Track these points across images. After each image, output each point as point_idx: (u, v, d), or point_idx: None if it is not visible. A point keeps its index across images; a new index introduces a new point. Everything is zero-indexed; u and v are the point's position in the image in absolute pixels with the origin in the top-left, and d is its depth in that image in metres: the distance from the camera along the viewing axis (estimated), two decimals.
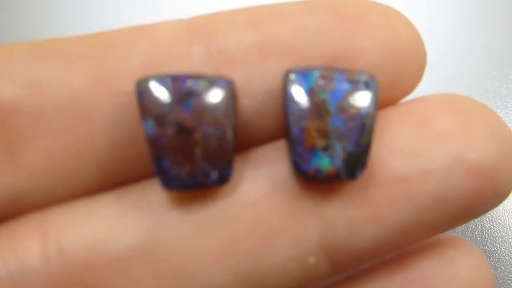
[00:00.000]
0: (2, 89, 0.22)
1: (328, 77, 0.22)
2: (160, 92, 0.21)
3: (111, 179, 0.23)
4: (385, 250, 0.24)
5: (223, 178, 0.22)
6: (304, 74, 0.22)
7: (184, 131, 0.21)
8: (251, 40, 0.23)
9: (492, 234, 0.36)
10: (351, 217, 0.23)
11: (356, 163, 0.22)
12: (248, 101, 0.23)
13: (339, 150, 0.22)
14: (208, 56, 0.23)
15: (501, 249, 0.36)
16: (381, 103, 0.23)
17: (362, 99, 0.22)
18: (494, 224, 0.36)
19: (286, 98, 0.22)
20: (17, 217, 0.23)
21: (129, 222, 0.22)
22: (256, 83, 0.23)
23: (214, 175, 0.22)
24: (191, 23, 0.24)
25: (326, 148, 0.22)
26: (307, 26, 0.23)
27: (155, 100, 0.21)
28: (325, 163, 0.22)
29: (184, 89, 0.21)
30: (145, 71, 0.22)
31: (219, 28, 0.23)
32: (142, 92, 0.21)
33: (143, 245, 0.22)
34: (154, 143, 0.21)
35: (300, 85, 0.22)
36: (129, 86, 0.22)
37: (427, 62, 0.25)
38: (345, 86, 0.22)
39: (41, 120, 0.22)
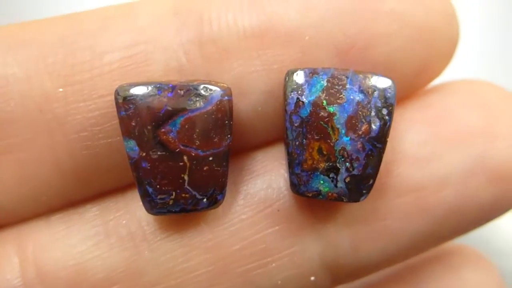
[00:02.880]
0: None
1: (337, 85, 0.19)
2: (143, 107, 0.19)
3: (93, 190, 0.21)
4: (390, 263, 0.22)
5: (214, 203, 0.20)
6: (309, 79, 0.19)
7: (171, 155, 0.19)
8: (249, 23, 0.20)
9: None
10: (356, 234, 0.21)
11: (361, 186, 0.20)
12: (245, 101, 0.20)
13: (344, 174, 0.20)
14: (198, 46, 0.20)
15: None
16: (403, 92, 0.21)
17: (376, 113, 0.19)
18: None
19: (286, 109, 0.19)
20: None
21: (114, 242, 0.21)
22: (254, 79, 0.20)
23: (204, 201, 0.19)
24: (178, 4, 0.20)
25: (328, 171, 0.20)
26: (316, 5, 0.20)
27: (136, 117, 0.19)
28: (326, 187, 0.20)
29: (171, 105, 0.19)
30: (125, 67, 0.20)
31: (212, 8, 0.20)
32: (121, 106, 0.19)
33: (129, 267, 0.21)
34: (136, 166, 0.19)
35: (304, 93, 0.19)
36: (108, 87, 0.20)
37: (459, 41, 0.22)
38: (357, 96, 0.19)
39: (12, 129, 0.20)
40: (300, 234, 0.21)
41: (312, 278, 0.21)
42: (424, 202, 0.21)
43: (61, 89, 0.20)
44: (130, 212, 0.21)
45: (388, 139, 0.20)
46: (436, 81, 0.23)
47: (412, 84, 0.21)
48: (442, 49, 0.21)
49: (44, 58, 0.20)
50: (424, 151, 0.21)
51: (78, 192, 0.21)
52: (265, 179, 0.21)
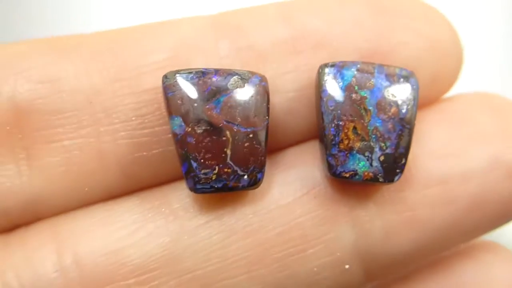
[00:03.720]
0: (18, 87, 0.21)
1: (366, 73, 0.21)
2: (189, 88, 0.20)
3: (133, 183, 0.22)
4: (421, 256, 0.22)
5: (254, 182, 0.20)
6: (340, 69, 0.21)
7: (214, 130, 0.20)
8: (282, 34, 0.22)
9: None
10: (388, 222, 0.21)
11: (395, 166, 0.21)
12: (279, 99, 0.22)
13: (378, 152, 0.21)
14: (236, 51, 0.22)
15: None
16: (420, 100, 0.22)
17: (403, 98, 0.21)
18: None
19: (320, 95, 0.21)
20: (31, 224, 0.21)
21: (152, 229, 0.21)
22: (287, 79, 0.22)
23: (245, 178, 0.20)
24: (217, 18, 0.23)
25: (363, 150, 0.21)
26: (341, 18, 0.22)
27: (183, 96, 0.20)
28: (362, 166, 0.21)
29: (215, 85, 0.20)
30: (169, 67, 0.21)
31: (248, 22, 0.22)
32: (169, 88, 0.20)
33: (167, 253, 0.21)
34: (181, 142, 0.20)
35: (336, 81, 0.21)
36: (154, 83, 0.21)
37: (464, 56, 0.24)
38: (385, 82, 0.21)
39: (60, 119, 0.21)
40: (335, 222, 0.21)
41: (347, 266, 0.21)
42: (450, 194, 0.22)
43: (109, 84, 0.21)
44: (169, 202, 0.21)
45: (413, 137, 0.21)
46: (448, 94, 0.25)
47: (427, 93, 0.23)
48: (451, 62, 0.23)
49: (93, 58, 0.21)
50: (447, 148, 0.22)
51: (119, 183, 0.21)
52: (301, 169, 0.22)
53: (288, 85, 0.22)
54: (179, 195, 0.21)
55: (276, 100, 0.22)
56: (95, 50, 0.21)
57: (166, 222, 0.21)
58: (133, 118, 0.21)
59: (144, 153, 0.21)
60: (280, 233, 0.21)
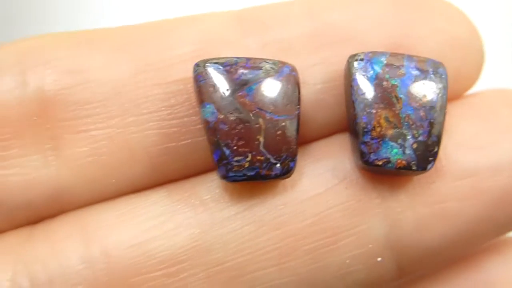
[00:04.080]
0: (45, 77, 0.21)
1: (396, 63, 0.21)
2: (221, 75, 0.20)
3: (161, 175, 0.21)
4: (451, 251, 0.22)
5: (287, 171, 0.20)
6: (369, 59, 0.21)
7: (247, 117, 0.20)
8: (307, 29, 0.22)
9: None
10: (419, 214, 0.21)
11: (427, 154, 0.21)
12: (307, 91, 0.22)
13: (410, 140, 0.20)
14: (262, 46, 0.22)
15: None
16: None
17: (433, 87, 0.21)
18: None
19: (351, 84, 0.21)
20: (57, 216, 0.21)
21: (181, 220, 0.20)
22: (315, 71, 0.22)
23: (278, 166, 0.20)
24: (241, 13, 0.23)
25: (396, 138, 0.20)
26: (365, 14, 0.22)
27: (215, 83, 0.20)
28: (395, 153, 0.20)
29: (246, 73, 0.20)
30: (197, 59, 0.21)
31: (272, 17, 0.22)
32: (200, 75, 0.20)
33: (197, 245, 0.20)
34: (214, 130, 0.19)
35: (367, 70, 0.21)
36: (183, 74, 0.21)
37: (485, 55, 0.24)
38: (414, 71, 0.21)
39: (87, 109, 0.21)
40: (367, 213, 0.21)
41: (379, 259, 0.21)
42: (480, 186, 0.21)
43: (137, 75, 0.21)
44: (198, 193, 0.21)
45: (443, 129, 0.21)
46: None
47: (450, 90, 0.23)
48: (472, 59, 0.23)
49: (121, 49, 0.21)
50: (476, 141, 0.22)
51: (147, 175, 0.21)
52: (330, 160, 0.22)
53: (316, 77, 0.22)
54: (209, 186, 0.21)
55: (304, 91, 0.22)
56: (122, 42, 0.21)
57: (196, 213, 0.20)
58: (162, 109, 0.21)
59: (173, 144, 0.21)
60: (311, 224, 0.21)
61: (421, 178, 0.21)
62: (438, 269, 0.23)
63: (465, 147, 0.22)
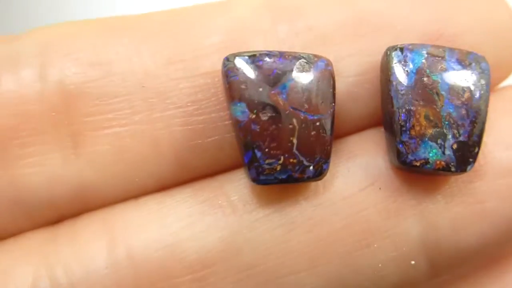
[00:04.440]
0: (67, 69, 0.19)
1: (437, 56, 0.20)
2: (252, 71, 0.19)
3: (187, 172, 0.20)
4: (489, 251, 0.21)
5: (320, 173, 0.19)
6: (409, 52, 0.20)
7: (280, 117, 0.18)
8: (342, 16, 0.21)
9: None
10: (456, 214, 0.20)
11: (468, 154, 0.20)
12: (340, 84, 0.20)
13: (451, 140, 0.19)
14: (295, 34, 0.20)
15: None
16: None
17: (475, 83, 0.20)
18: None
19: (390, 78, 0.19)
20: (81, 215, 0.20)
21: (210, 222, 0.20)
22: (349, 63, 0.20)
23: (311, 169, 0.19)
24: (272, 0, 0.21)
25: (436, 137, 0.19)
26: (404, 0, 0.21)
27: (247, 80, 0.18)
28: (434, 154, 0.19)
29: (280, 69, 0.19)
30: (226, 49, 0.20)
31: (305, 4, 0.21)
32: (231, 71, 0.18)
33: (226, 247, 0.19)
34: (245, 129, 0.18)
35: (406, 64, 0.19)
36: (210, 66, 0.20)
37: None
38: (456, 66, 0.20)
39: (111, 104, 0.19)
40: (402, 214, 0.20)
41: (413, 262, 0.20)
42: None
43: (163, 67, 0.20)
44: (226, 193, 0.20)
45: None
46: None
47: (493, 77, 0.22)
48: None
49: (145, 40, 0.20)
50: None
51: (172, 172, 0.20)
52: (364, 158, 0.21)
53: (350, 69, 0.21)
54: (237, 186, 0.20)
55: (338, 84, 0.20)
56: (147, 32, 0.20)
57: (224, 215, 0.20)
58: (189, 104, 0.20)
59: (200, 141, 0.20)
60: (344, 226, 0.20)
61: (458, 178, 0.21)
62: (474, 269, 0.22)
63: (505, 144, 0.21)
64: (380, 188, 0.20)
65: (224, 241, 0.19)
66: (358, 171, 0.20)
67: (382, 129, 0.21)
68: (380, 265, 0.20)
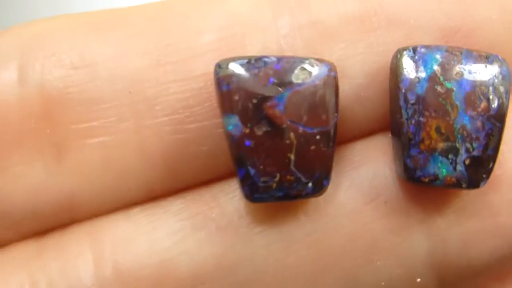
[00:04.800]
0: (47, 73, 0.18)
1: (453, 60, 0.18)
2: (247, 80, 0.17)
3: (179, 183, 0.19)
4: (501, 266, 0.20)
5: (319, 189, 0.18)
6: (422, 55, 0.18)
7: (277, 131, 0.17)
8: (350, 9, 0.19)
9: None
10: (467, 230, 0.19)
11: (481, 170, 0.18)
12: (347, 85, 0.19)
13: (463, 155, 0.18)
14: (298, 29, 0.19)
15: None
16: None
17: (494, 90, 0.18)
18: None
19: (399, 85, 0.18)
20: (69, 227, 0.19)
21: (202, 237, 0.19)
22: (357, 62, 0.19)
23: (309, 186, 0.17)
24: None
25: (447, 152, 0.18)
26: None
27: (241, 90, 0.17)
28: (444, 170, 0.18)
29: (277, 77, 0.17)
30: (221, 48, 0.18)
31: None
32: (223, 80, 0.17)
33: (220, 264, 0.18)
34: (238, 145, 0.17)
35: (418, 69, 0.18)
36: (204, 68, 0.18)
37: None
38: (474, 72, 0.18)
39: (96, 111, 0.18)
40: (408, 230, 0.19)
41: (418, 279, 0.19)
42: None
43: (152, 69, 0.18)
44: (220, 206, 0.19)
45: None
46: None
47: None
48: None
49: (134, 39, 0.18)
50: None
51: (163, 182, 0.19)
52: (369, 168, 0.19)
53: (357, 69, 0.19)
54: (232, 198, 0.19)
55: (344, 86, 0.19)
56: (137, 29, 0.18)
57: (218, 230, 0.19)
58: (180, 110, 0.18)
59: (192, 150, 0.19)
60: (346, 242, 0.19)
61: (471, 191, 0.19)
62: (486, 282, 0.21)
63: None
64: (385, 202, 0.19)
65: (217, 258, 0.18)
66: (363, 183, 0.19)
67: (390, 135, 0.19)
68: (383, 283, 0.19)
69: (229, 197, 0.19)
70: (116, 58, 0.18)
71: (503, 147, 0.19)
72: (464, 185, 0.18)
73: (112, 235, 0.19)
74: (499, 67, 0.18)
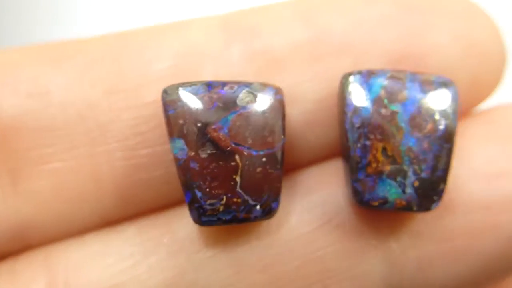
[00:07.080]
0: (4, 100, 0.18)
1: (397, 83, 0.18)
2: (192, 104, 0.17)
3: (132, 208, 0.19)
4: None
5: (268, 212, 0.18)
6: (367, 79, 0.18)
7: (222, 154, 0.17)
8: (300, 36, 0.19)
9: None
10: (423, 253, 0.19)
11: (431, 192, 0.18)
12: (297, 111, 0.19)
13: (412, 177, 0.18)
14: (249, 57, 0.19)
15: None
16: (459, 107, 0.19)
17: (440, 111, 0.18)
18: None
19: (344, 110, 0.18)
20: (23, 253, 0.19)
21: (153, 263, 0.18)
22: (306, 89, 0.19)
23: (257, 209, 0.18)
24: (227, 18, 0.20)
25: (395, 174, 0.18)
26: (367, 18, 0.19)
27: (186, 114, 0.17)
28: (393, 192, 0.18)
29: (222, 101, 0.17)
30: (173, 76, 0.19)
31: (262, 23, 0.19)
32: (169, 104, 0.17)
33: None
34: (184, 168, 0.17)
35: (363, 93, 0.18)
36: (155, 95, 0.19)
37: (507, 60, 0.21)
38: (419, 94, 0.18)
39: (50, 138, 0.18)
40: (363, 254, 0.19)
41: None
42: (494, 220, 0.19)
43: (104, 97, 0.19)
44: (172, 231, 0.19)
45: (455, 155, 0.18)
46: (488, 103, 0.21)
47: (465, 100, 0.20)
48: (492, 65, 0.20)
49: (88, 68, 0.19)
50: (493, 168, 0.19)
51: (116, 208, 0.19)
52: (322, 193, 0.19)
53: (307, 95, 0.19)
54: (185, 223, 0.19)
55: (294, 112, 0.19)
56: (91, 58, 0.19)
57: (169, 255, 0.19)
58: (131, 136, 0.19)
59: (144, 176, 0.19)
60: (298, 267, 0.18)
61: (426, 214, 0.19)
62: None
63: (479, 175, 0.19)
64: (337, 226, 0.19)
65: (168, 283, 0.18)
66: (315, 207, 0.19)
67: (342, 160, 0.20)
68: None
69: (182, 223, 0.19)
70: (69, 87, 0.19)
71: (459, 170, 0.19)
72: (415, 208, 0.18)
73: (65, 260, 0.19)
74: (446, 87, 0.18)
